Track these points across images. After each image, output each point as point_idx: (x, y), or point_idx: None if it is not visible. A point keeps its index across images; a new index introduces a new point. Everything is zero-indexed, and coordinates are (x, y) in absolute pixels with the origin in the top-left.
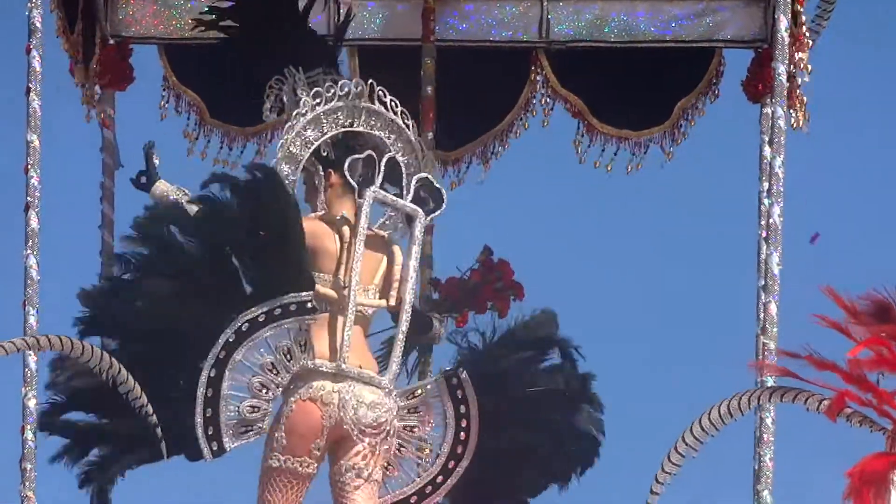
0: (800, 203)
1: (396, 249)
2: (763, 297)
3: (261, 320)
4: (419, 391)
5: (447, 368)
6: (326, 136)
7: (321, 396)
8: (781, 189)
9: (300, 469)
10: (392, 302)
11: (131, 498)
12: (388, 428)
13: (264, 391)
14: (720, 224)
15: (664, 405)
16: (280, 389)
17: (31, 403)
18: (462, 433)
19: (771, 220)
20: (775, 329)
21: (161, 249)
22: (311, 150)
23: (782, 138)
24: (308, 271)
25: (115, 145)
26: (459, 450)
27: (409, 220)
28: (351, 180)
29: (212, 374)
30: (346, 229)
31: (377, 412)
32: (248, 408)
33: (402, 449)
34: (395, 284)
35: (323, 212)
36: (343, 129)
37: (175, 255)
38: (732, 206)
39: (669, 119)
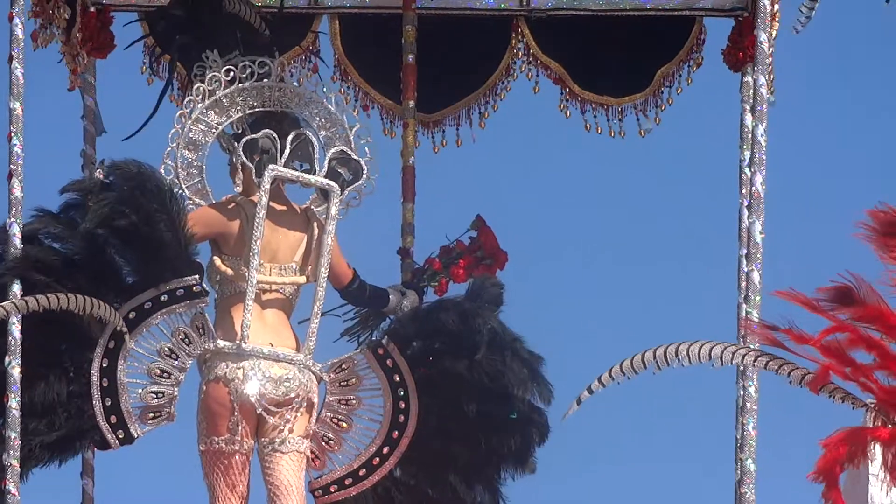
0: (782, 171)
1: (317, 225)
2: (745, 266)
3: (147, 307)
4: (345, 365)
5: (372, 340)
6: (232, 119)
7: (224, 375)
8: (764, 157)
9: (225, 447)
10: (306, 278)
11: None
12: (301, 402)
13: (166, 376)
14: (702, 192)
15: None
16: (183, 374)
17: (16, 372)
18: (401, 402)
19: (753, 189)
20: (758, 298)
21: (34, 254)
22: (216, 134)
23: (764, 107)
24: (188, 256)
25: (97, 113)
26: (401, 419)
27: (325, 195)
28: (246, 160)
29: (104, 364)
30: (250, 209)
31: (286, 387)
32: (150, 394)
33: (340, 423)
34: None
35: (237, 193)
36: (253, 111)
37: (50, 257)
38: (715, 174)
39: (650, 86)
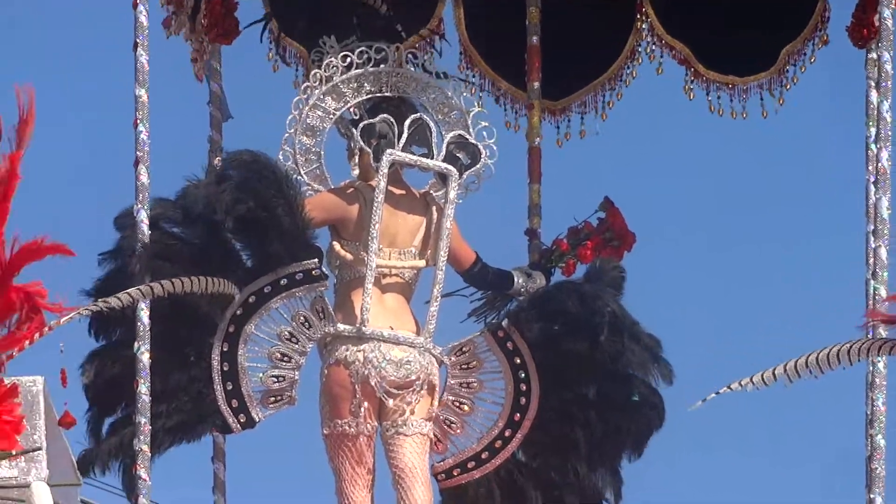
0: None
1: (436, 209)
2: (873, 242)
3: (266, 291)
4: (466, 348)
5: (492, 322)
6: (350, 105)
7: (345, 358)
8: (889, 133)
9: (349, 430)
10: (426, 262)
11: None
12: (422, 384)
13: (286, 360)
14: (829, 169)
15: (774, 351)
16: (303, 358)
17: (145, 358)
18: (522, 384)
19: (880, 165)
20: (885, 273)
21: (157, 240)
22: (333, 120)
23: (889, 83)
24: (307, 240)
25: (223, 98)
26: (522, 401)
27: (444, 179)
28: (363, 145)
29: (224, 349)
30: (369, 194)
31: (406, 369)
32: (271, 378)
33: (462, 406)
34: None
35: (355, 178)
36: (370, 96)
37: (171, 242)
38: (841, 151)
39: (775, 65)
